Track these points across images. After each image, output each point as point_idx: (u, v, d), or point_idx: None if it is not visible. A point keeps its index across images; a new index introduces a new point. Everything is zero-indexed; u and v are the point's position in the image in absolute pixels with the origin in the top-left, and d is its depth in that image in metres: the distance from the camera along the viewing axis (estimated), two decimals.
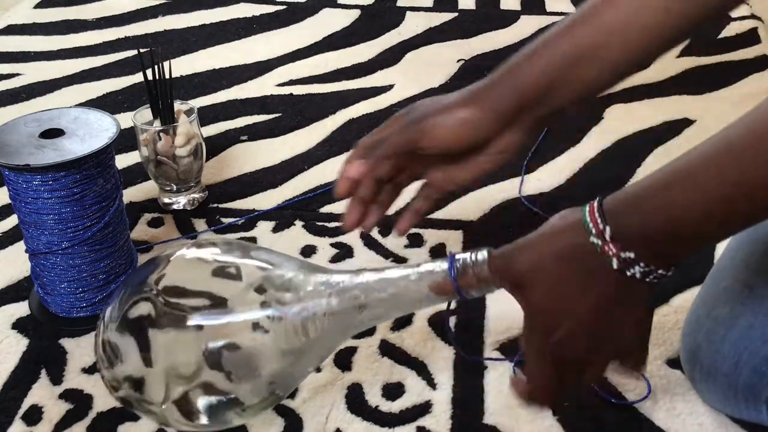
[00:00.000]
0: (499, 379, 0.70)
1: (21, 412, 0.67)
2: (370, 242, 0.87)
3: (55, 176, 0.68)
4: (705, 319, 0.64)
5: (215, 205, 0.94)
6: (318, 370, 0.70)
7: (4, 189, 0.75)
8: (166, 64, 0.88)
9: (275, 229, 0.89)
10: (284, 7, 1.49)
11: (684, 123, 1.10)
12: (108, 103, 1.16)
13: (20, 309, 0.78)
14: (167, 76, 0.88)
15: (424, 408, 0.67)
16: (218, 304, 0.58)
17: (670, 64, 1.26)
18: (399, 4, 1.51)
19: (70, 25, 1.42)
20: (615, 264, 0.50)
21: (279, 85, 1.22)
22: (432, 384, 0.70)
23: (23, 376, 0.71)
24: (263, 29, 1.41)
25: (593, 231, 0.50)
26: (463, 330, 0.75)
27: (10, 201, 0.73)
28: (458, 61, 1.28)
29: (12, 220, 0.90)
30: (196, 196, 0.94)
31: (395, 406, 0.68)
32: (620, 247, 0.50)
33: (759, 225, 0.49)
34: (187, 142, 0.89)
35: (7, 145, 0.69)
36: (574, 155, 1.03)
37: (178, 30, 1.40)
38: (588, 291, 0.52)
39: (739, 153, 0.47)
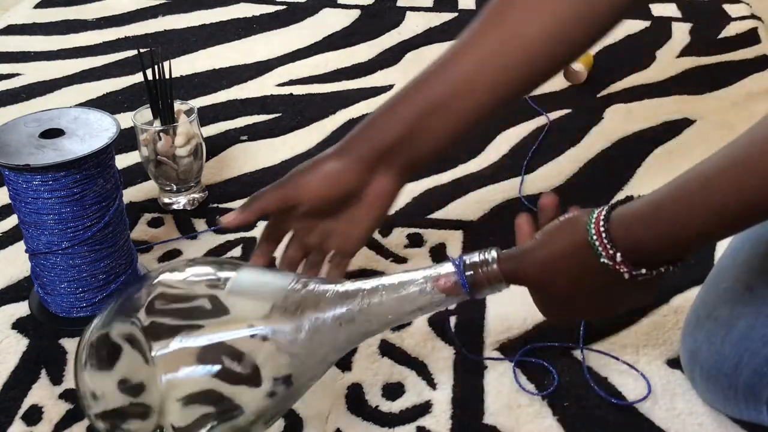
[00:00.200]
0: (499, 379, 0.70)
1: (21, 412, 0.67)
2: (370, 242, 0.87)
3: (55, 176, 0.68)
4: (705, 319, 0.64)
5: (215, 205, 0.94)
6: None
7: (4, 189, 0.75)
8: (166, 64, 0.88)
9: None
10: (284, 7, 1.49)
11: (684, 123, 1.10)
12: (108, 103, 1.16)
13: (20, 309, 0.78)
14: (167, 76, 0.88)
15: (424, 408, 0.67)
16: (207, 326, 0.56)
17: (670, 64, 1.26)
18: (399, 4, 1.51)
19: (70, 25, 1.42)
20: (626, 276, 0.52)
21: (279, 85, 1.22)
22: (432, 384, 0.70)
23: (23, 376, 0.71)
24: (263, 29, 1.41)
25: (603, 254, 0.52)
26: (464, 330, 0.75)
27: (10, 201, 0.73)
28: None
29: (12, 220, 0.90)
30: (196, 196, 0.94)
31: (395, 406, 0.68)
32: (632, 267, 0.52)
33: (760, 225, 0.50)
34: (187, 142, 0.89)
35: (7, 145, 0.69)
36: (574, 155, 1.03)
37: (178, 30, 1.40)
38: (599, 294, 0.55)
39: (747, 165, 0.47)
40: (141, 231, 0.90)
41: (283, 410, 0.59)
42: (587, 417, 0.67)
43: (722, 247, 0.69)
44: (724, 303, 0.63)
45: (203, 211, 0.93)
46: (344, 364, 0.72)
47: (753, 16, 1.42)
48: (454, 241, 0.87)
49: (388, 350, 0.73)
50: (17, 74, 1.24)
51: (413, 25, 1.42)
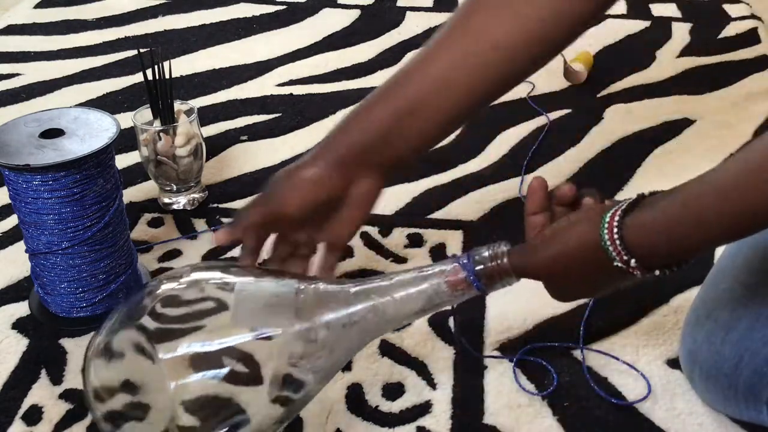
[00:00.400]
0: (499, 379, 0.70)
1: (21, 412, 0.67)
2: (370, 242, 0.87)
3: (55, 176, 0.68)
4: (705, 320, 0.64)
5: (215, 205, 0.94)
6: None
7: (4, 189, 0.75)
8: (166, 64, 0.88)
9: None
10: (284, 7, 1.49)
11: (684, 123, 1.10)
12: (108, 103, 1.16)
13: (20, 309, 0.78)
14: (167, 76, 0.88)
15: (424, 408, 0.67)
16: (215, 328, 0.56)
17: (670, 64, 1.26)
18: (399, 4, 1.51)
19: (70, 25, 1.42)
20: (639, 276, 0.53)
21: (279, 85, 1.22)
22: (432, 384, 0.70)
23: (23, 376, 0.71)
24: (263, 29, 1.41)
25: (617, 258, 0.52)
26: (464, 330, 0.75)
27: (10, 201, 0.73)
28: None
29: (12, 220, 0.90)
30: (196, 196, 0.94)
31: (395, 406, 0.68)
32: (646, 271, 0.53)
33: None
34: (187, 142, 0.89)
35: (7, 145, 0.69)
36: (574, 155, 1.03)
37: (178, 30, 1.40)
38: (611, 285, 0.56)
39: (763, 173, 0.47)
40: (141, 231, 0.90)
41: (292, 415, 0.59)
42: (587, 417, 0.67)
43: (722, 247, 0.69)
44: (724, 304, 0.63)
45: (203, 211, 0.93)
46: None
47: (753, 16, 1.42)
48: (454, 241, 0.87)
49: (388, 350, 0.73)
50: (17, 74, 1.24)
51: (413, 25, 1.42)
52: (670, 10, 1.46)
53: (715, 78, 1.21)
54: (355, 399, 0.68)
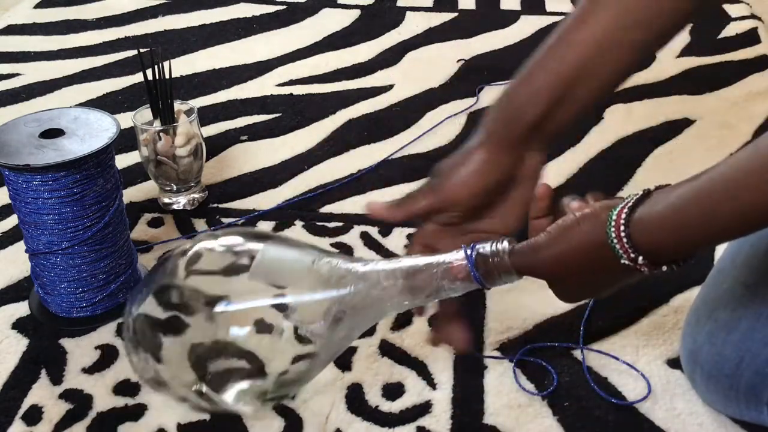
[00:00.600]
0: (499, 379, 0.70)
1: (21, 412, 0.67)
2: (370, 242, 0.87)
3: (55, 176, 0.68)
4: (706, 320, 0.64)
5: (215, 205, 0.94)
6: None
7: (4, 189, 0.75)
8: (166, 64, 0.88)
9: (275, 229, 0.89)
10: (284, 7, 1.49)
11: (684, 123, 1.10)
12: (108, 103, 1.16)
13: (20, 309, 0.78)
14: (167, 76, 0.88)
15: (424, 408, 0.67)
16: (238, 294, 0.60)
17: (670, 64, 1.26)
18: (399, 4, 1.51)
19: (70, 25, 1.42)
20: (646, 272, 0.53)
21: (279, 85, 1.22)
22: (432, 384, 0.70)
23: (23, 376, 0.71)
24: (263, 29, 1.41)
25: (623, 256, 0.52)
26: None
27: (10, 201, 0.73)
28: (458, 61, 1.28)
29: (12, 220, 0.90)
30: (196, 196, 0.94)
31: (395, 406, 0.68)
32: (653, 267, 0.52)
33: None
34: (187, 142, 0.89)
35: (7, 145, 0.69)
36: (574, 155, 1.03)
37: (178, 30, 1.40)
38: (616, 283, 0.56)
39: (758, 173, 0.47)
40: (141, 231, 0.90)
41: (306, 379, 0.63)
42: (587, 417, 0.67)
43: (722, 247, 0.69)
44: (725, 304, 0.63)
45: (203, 211, 0.93)
46: (344, 364, 0.72)
47: (753, 16, 1.42)
48: None
49: (388, 350, 0.73)
50: (17, 74, 1.24)
51: (413, 25, 1.42)
52: None
53: (715, 78, 1.21)
54: (355, 399, 0.68)
